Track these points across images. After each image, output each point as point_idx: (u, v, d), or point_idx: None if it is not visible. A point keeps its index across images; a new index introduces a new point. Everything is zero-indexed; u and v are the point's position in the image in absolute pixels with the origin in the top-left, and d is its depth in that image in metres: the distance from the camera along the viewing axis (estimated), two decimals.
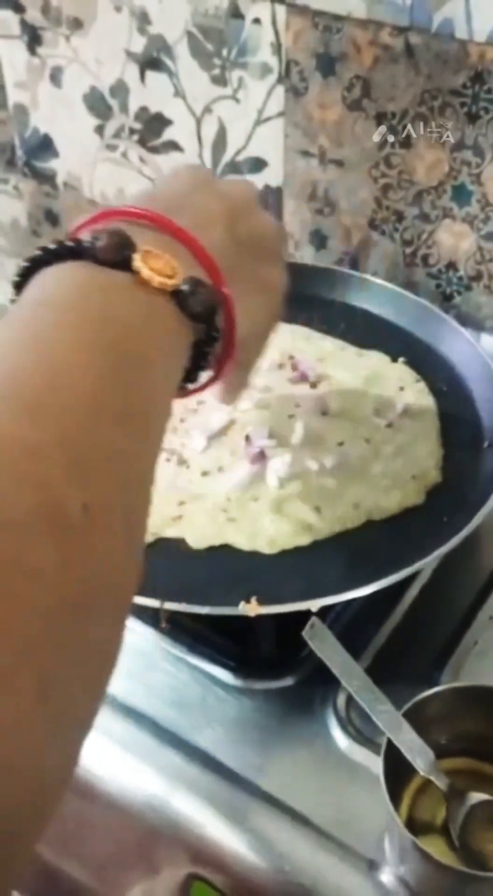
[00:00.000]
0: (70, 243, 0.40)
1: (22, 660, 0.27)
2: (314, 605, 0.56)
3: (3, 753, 0.26)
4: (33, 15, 0.98)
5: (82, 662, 0.31)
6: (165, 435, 0.40)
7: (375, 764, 0.56)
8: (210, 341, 0.44)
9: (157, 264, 0.40)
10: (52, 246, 0.40)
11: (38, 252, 0.40)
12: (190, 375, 0.45)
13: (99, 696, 0.32)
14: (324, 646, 0.54)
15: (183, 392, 0.46)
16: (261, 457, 0.67)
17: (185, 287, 0.41)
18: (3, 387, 0.33)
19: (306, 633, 0.54)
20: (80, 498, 0.31)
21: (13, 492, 0.30)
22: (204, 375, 0.47)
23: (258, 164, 0.90)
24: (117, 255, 0.40)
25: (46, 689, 0.28)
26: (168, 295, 0.41)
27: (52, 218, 1.13)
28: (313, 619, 0.54)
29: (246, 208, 0.50)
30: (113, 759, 0.60)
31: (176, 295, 0.41)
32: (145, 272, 0.40)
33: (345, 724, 0.60)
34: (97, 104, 0.99)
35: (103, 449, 0.34)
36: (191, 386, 0.47)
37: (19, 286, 0.41)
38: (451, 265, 0.83)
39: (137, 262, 0.40)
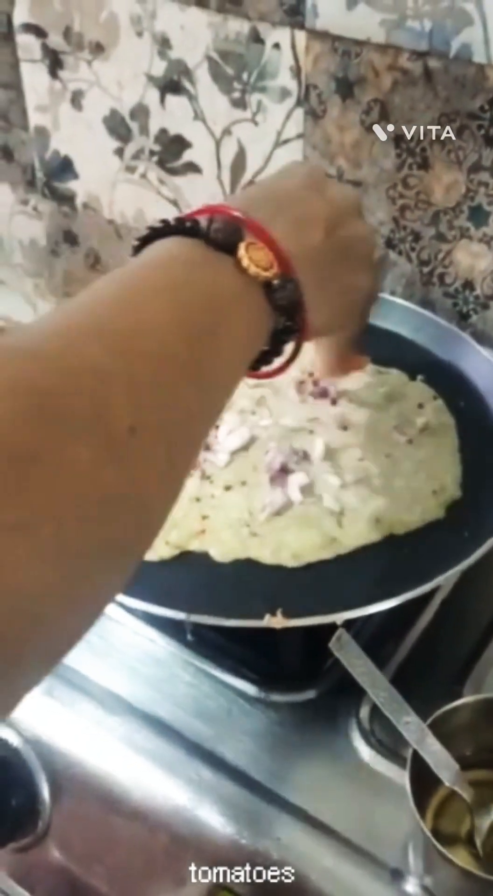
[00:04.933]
0: (188, 222, 0.46)
1: (47, 526, 0.32)
2: (340, 618, 0.56)
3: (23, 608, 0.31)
4: (55, 40, 0.99)
5: (105, 551, 0.35)
6: (226, 403, 0.46)
7: (397, 775, 0.56)
8: (288, 332, 0.50)
9: (257, 256, 0.46)
10: (171, 221, 0.46)
11: (158, 224, 0.46)
12: (265, 358, 0.51)
13: (113, 585, 0.38)
14: (351, 658, 0.55)
15: (255, 373, 0.52)
16: (283, 472, 0.68)
17: (276, 281, 0.47)
18: (91, 322, 0.39)
19: (332, 646, 0.55)
20: (130, 421, 0.36)
21: (70, 395, 0.35)
22: (277, 361, 0.52)
23: None
24: (227, 239, 0.46)
25: (65, 553, 0.33)
26: (260, 284, 0.47)
27: (71, 238, 1.15)
28: (340, 630, 0.54)
29: (348, 214, 0.55)
30: (139, 770, 0.61)
31: (267, 286, 0.47)
32: (245, 261, 0.46)
33: (368, 736, 0.60)
34: (117, 126, 1.01)
35: (163, 390, 0.39)
36: (264, 369, 0.52)
37: (137, 249, 0.47)
38: (468, 284, 0.84)
39: (241, 250, 0.46)
